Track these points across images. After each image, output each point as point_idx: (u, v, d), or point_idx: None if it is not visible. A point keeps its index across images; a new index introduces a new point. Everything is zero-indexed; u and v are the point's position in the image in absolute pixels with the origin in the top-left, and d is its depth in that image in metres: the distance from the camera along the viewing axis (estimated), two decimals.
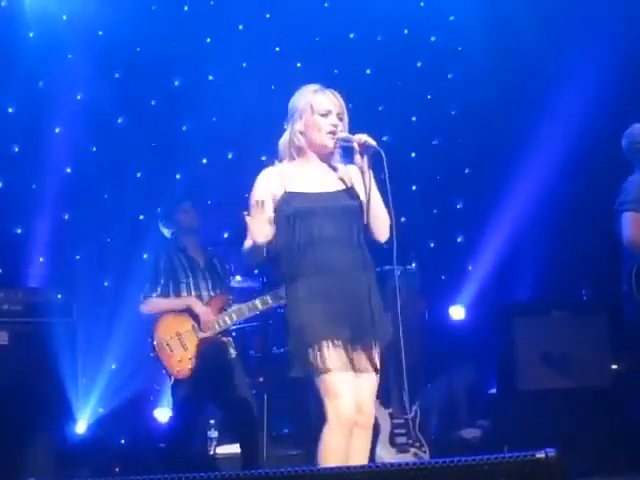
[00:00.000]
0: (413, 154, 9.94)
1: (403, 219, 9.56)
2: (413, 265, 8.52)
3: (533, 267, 9.16)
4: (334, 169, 4.74)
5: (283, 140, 4.79)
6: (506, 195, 9.19)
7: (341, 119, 4.67)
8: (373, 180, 4.60)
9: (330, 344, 4.39)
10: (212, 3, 9.58)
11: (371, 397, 4.60)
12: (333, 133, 4.63)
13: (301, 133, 4.68)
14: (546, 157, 8.93)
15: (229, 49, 9.32)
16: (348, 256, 4.55)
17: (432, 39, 9.91)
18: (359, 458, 4.51)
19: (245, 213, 4.45)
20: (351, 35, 9.79)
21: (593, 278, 8.61)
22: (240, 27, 9.59)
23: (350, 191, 4.67)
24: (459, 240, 9.86)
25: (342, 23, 9.60)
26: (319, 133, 4.64)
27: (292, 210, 4.56)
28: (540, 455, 2.59)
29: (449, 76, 9.92)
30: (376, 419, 7.09)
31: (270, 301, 6.43)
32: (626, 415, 7.17)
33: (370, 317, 4.50)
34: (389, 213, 4.63)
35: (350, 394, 4.42)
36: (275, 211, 4.59)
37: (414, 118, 9.98)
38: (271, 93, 9.28)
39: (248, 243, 4.56)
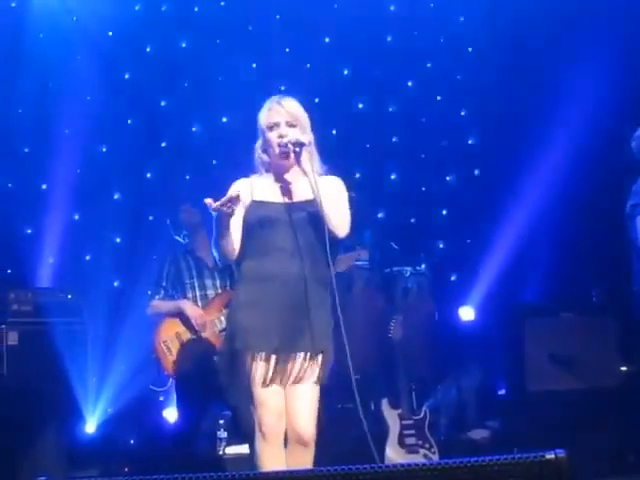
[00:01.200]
0: (422, 155, 9.93)
1: (412, 220, 9.62)
2: (423, 266, 8.53)
3: (543, 268, 9.14)
4: (296, 182, 4.75)
5: (254, 159, 4.90)
6: (516, 196, 9.17)
7: (293, 125, 4.70)
8: (316, 177, 4.59)
9: (257, 355, 4.45)
10: (222, 4, 9.58)
11: (307, 410, 4.56)
12: (281, 145, 4.65)
13: (263, 151, 4.81)
14: (556, 158, 8.91)
15: (239, 50, 9.33)
16: (298, 267, 4.55)
17: (442, 40, 9.90)
18: None
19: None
20: (361, 36, 9.78)
21: (603, 280, 8.59)
22: (250, 28, 9.59)
23: (311, 203, 4.65)
24: (468, 241, 9.85)
25: (352, 24, 9.59)
26: (272, 148, 4.72)
27: (253, 218, 4.64)
28: (549, 456, 2.59)
29: (458, 77, 9.90)
30: (385, 420, 7.14)
31: None
32: (635, 416, 7.16)
33: (309, 328, 4.50)
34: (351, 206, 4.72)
35: (274, 405, 4.48)
36: (243, 219, 4.66)
37: (424, 119, 9.98)
38: (281, 94, 9.27)
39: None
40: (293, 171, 4.75)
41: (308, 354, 4.51)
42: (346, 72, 9.47)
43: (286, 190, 4.73)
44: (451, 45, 9.81)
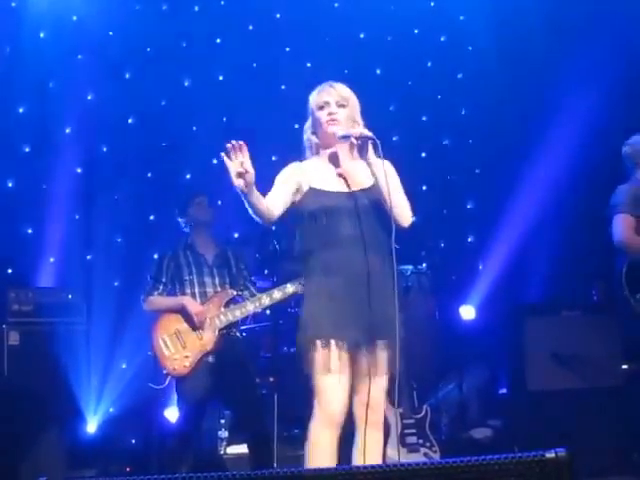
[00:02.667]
0: (423, 154, 9.93)
1: (413, 219, 9.60)
2: (424, 265, 8.53)
3: (544, 267, 9.14)
4: (349, 167, 4.78)
5: (304, 139, 4.92)
6: (517, 195, 9.17)
7: (343, 105, 4.75)
8: (385, 168, 4.61)
9: (331, 343, 4.48)
10: (222, 3, 9.59)
11: (383, 398, 4.67)
12: (332, 121, 4.69)
13: (312, 133, 4.82)
14: (557, 157, 8.92)
15: (239, 49, 9.34)
16: (367, 258, 4.57)
17: (442, 39, 9.91)
18: (372, 458, 4.55)
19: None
20: (361, 35, 9.79)
21: (603, 278, 8.59)
22: (250, 27, 9.60)
23: (370, 190, 4.70)
24: (470, 240, 9.85)
25: (352, 23, 9.60)
26: (321, 127, 4.75)
27: (317, 207, 4.64)
28: (550, 455, 2.59)
29: (459, 76, 9.91)
30: (386, 419, 7.11)
31: (274, 297, 6.41)
32: (637, 415, 7.16)
33: (381, 319, 4.51)
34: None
35: (337, 392, 4.51)
36: (297, 205, 4.71)
37: (424, 118, 9.98)
38: (281, 93, 9.29)
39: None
40: (345, 154, 4.79)
41: (384, 343, 4.54)
42: (346, 71, 9.46)
43: (343, 176, 4.74)
44: (451, 44, 9.81)
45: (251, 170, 4.38)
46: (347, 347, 4.49)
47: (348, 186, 4.71)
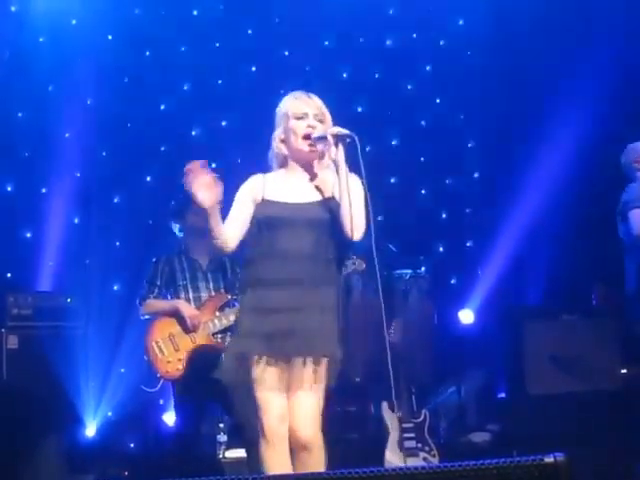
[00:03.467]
0: (422, 158, 9.93)
1: (412, 223, 9.60)
2: (422, 269, 8.53)
3: (543, 271, 9.15)
4: (314, 179, 4.67)
5: (270, 151, 4.76)
6: (516, 198, 9.18)
7: (321, 121, 4.59)
8: (348, 174, 4.47)
9: (261, 359, 4.43)
10: (221, 7, 9.59)
11: (310, 415, 4.50)
12: (308, 137, 4.55)
13: (281, 141, 4.66)
14: (556, 160, 8.92)
15: (238, 53, 9.34)
16: (307, 270, 4.48)
17: (441, 43, 9.90)
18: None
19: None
20: (360, 39, 9.78)
21: (602, 282, 8.60)
22: (249, 31, 9.60)
23: (326, 202, 4.59)
24: (468, 244, 9.85)
25: (351, 27, 9.60)
26: (295, 137, 4.58)
27: (263, 218, 4.57)
28: (549, 459, 2.59)
29: (458, 80, 9.90)
30: (385, 423, 7.13)
31: None
32: (636, 418, 7.16)
33: (316, 333, 4.45)
34: (366, 207, 4.50)
35: (276, 409, 4.45)
36: (253, 218, 4.62)
37: (423, 122, 9.98)
38: (280, 97, 9.27)
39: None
40: (313, 165, 4.66)
41: (312, 358, 4.43)
42: (345, 75, 9.48)
43: (301, 188, 4.62)
44: (450, 48, 9.81)
45: (219, 187, 4.43)
46: (277, 363, 4.43)
47: (303, 196, 4.60)
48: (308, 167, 4.67)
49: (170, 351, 6.38)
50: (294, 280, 4.47)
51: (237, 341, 4.57)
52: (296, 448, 4.51)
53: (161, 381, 6.36)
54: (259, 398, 4.47)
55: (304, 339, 4.44)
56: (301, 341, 4.44)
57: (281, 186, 4.64)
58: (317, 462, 4.50)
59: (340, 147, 4.47)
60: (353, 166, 4.55)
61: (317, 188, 4.65)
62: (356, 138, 4.44)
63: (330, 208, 4.55)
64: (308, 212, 4.55)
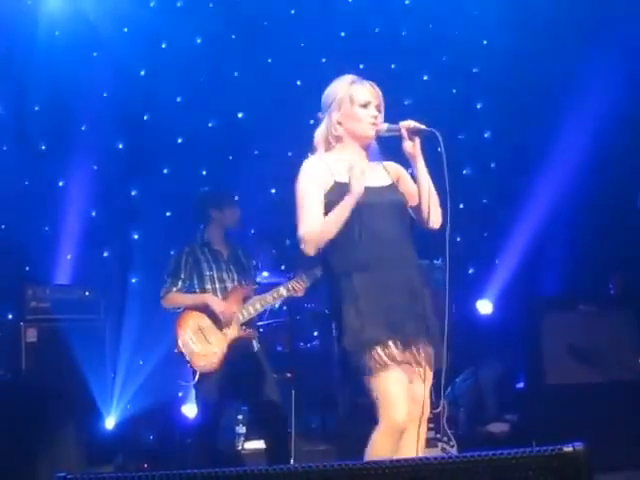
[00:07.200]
0: (439, 149, 9.88)
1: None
2: (440, 260, 8.51)
3: (560, 261, 9.13)
4: (376, 163, 4.66)
5: (319, 130, 4.65)
6: (533, 188, 9.15)
7: (380, 111, 4.62)
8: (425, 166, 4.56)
9: (389, 345, 4.28)
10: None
11: (427, 390, 4.46)
12: (374, 125, 4.55)
13: (339, 124, 4.57)
14: (574, 150, 8.89)
15: (254, 45, 9.33)
16: (400, 252, 4.46)
17: (457, 33, 9.87)
18: (408, 451, 4.40)
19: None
20: (376, 30, 9.76)
21: (620, 271, 8.58)
22: (265, 23, 9.59)
23: (394, 186, 4.61)
24: (486, 234, 9.82)
25: (367, 18, 9.58)
26: (360, 124, 4.55)
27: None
28: (568, 449, 2.58)
29: (474, 70, 9.88)
30: None
31: (293, 287, 6.42)
32: None
33: (423, 314, 4.41)
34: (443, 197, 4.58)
35: (404, 400, 4.30)
36: (327, 201, 4.46)
37: (439, 113, 9.94)
38: (297, 89, 9.29)
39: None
40: (374, 150, 4.67)
41: (427, 338, 4.37)
42: (362, 66, 9.45)
43: (371, 171, 4.52)
44: (466, 38, 9.78)
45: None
46: (401, 346, 4.30)
47: (377, 181, 4.55)
48: (365, 149, 4.65)
49: (204, 345, 6.38)
50: (394, 262, 4.43)
51: (357, 328, 4.32)
52: (422, 425, 4.44)
53: (197, 374, 6.35)
54: (386, 386, 4.28)
55: (419, 320, 4.40)
56: (417, 322, 4.38)
57: (346, 169, 4.46)
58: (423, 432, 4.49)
59: (417, 141, 4.59)
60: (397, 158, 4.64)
61: (382, 173, 4.64)
62: (437, 133, 4.55)
63: (400, 192, 4.59)
64: (386, 195, 4.54)
